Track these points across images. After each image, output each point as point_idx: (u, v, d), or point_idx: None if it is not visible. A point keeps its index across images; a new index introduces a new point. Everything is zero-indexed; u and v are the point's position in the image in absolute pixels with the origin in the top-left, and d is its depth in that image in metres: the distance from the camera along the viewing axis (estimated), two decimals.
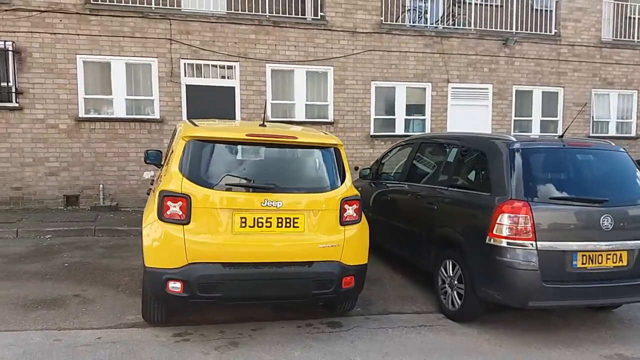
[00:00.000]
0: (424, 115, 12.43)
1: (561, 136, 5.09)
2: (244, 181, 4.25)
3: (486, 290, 4.59)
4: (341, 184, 4.51)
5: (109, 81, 10.47)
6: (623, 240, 4.49)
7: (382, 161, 7.38)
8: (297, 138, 4.43)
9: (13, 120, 9.98)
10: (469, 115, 12.42)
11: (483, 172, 5.01)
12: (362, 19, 11.65)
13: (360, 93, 11.84)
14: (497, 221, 4.43)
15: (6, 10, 9.83)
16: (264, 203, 4.16)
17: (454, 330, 4.77)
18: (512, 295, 4.44)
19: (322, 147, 4.58)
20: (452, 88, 12.49)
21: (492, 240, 4.46)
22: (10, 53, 9.85)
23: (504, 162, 4.64)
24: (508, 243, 4.37)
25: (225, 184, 4.19)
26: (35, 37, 10.00)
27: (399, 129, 12.25)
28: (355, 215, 4.50)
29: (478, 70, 12.62)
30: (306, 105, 11.53)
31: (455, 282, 4.99)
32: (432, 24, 12.74)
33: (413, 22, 12.62)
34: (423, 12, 12.82)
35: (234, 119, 10.92)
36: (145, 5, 10.53)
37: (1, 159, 9.96)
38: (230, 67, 11.03)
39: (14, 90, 9.96)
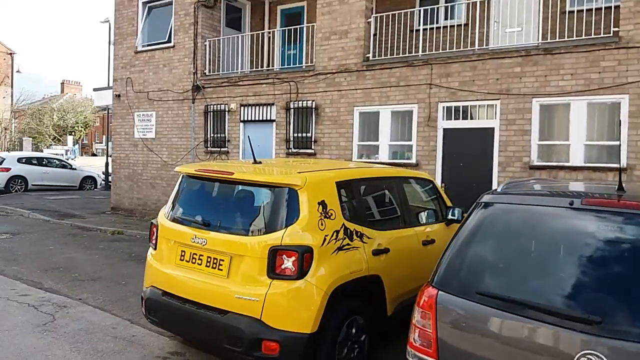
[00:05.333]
0: None
1: (620, 187, 2.72)
2: (186, 217, 4.38)
3: None
4: (280, 228, 3.92)
5: (376, 129, 11.34)
6: None
7: None
8: (232, 174, 4.19)
9: None
10: None
11: None
12: None
13: None
14: (412, 320, 2.86)
15: (312, 75, 12.26)
16: (193, 239, 4.19)
17: None
18: None
19: (266, 186, 4.12)
20: None
21: (407, 349, 2.90)
22: (312, 110, 12.20)
23: (461, 226, 2.93)
24: (413, 356, 2.77)
25: (174, 217, 4.45)
26: (327, 94, 12.00)
27: None
28: (293, 269, 3.82)
29: None
30: (585, 145, 9.05)
31: None
32: None
33: None
34: None
35: (491, 162, 9.78)
36: (412, 54, 10.96)
37: None
38: (491, 106, 9.98)
39: (313, 139, 12.24)
